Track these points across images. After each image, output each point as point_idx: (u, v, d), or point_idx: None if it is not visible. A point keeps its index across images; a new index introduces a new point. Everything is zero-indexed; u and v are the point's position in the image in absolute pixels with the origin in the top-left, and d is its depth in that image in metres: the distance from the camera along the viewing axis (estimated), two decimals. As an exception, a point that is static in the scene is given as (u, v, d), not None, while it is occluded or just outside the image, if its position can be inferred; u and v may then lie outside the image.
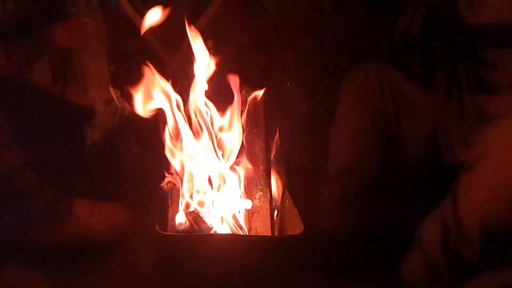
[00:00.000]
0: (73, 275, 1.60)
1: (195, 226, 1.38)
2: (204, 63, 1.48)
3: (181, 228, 1.40)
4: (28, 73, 1.88)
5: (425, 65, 1.73)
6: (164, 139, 1.49)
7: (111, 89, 2.00)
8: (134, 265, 1.64)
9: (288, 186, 1.54)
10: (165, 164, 1.50)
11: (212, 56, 1.49)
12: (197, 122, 1.48)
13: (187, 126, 1.47)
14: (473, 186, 1.42)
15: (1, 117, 1.63)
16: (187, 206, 1.43)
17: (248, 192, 1.48)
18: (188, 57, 1.51)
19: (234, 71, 1.51)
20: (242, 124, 1.48)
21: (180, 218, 1.41)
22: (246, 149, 1.48)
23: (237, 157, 1.49)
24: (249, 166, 1.48)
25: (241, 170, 1.49)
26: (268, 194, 1.44)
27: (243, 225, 1.44)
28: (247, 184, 1.48)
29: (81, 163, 1.90)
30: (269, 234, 1.41)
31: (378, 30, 2.17)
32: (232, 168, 1.49)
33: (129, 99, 1.68)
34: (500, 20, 1.55)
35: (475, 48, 1.63)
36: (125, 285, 1.59)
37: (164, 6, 1.50)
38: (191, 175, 1.46)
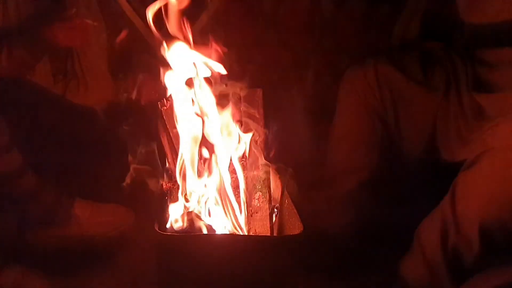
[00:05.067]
0: (74, 276, 1.60)
1: (194, 226, 1.38)
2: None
3: (180, 228, 1.40)
4: (29, 74, 1.89)
5: (424, 64, 1.73)
6: (164, 139, 1.49)
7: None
8: (134, 266, 1.64)
9: (287, 186, 1.54)
10: (165, 165, 1.51)
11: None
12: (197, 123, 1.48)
13: (186, 127, 1.47)
14: (472, 185, 1.41)
15: (1, 119, 1.63)
16: (186, 206, 1.43)
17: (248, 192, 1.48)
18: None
19: (234, 71, 1.51)
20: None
21: (179, 218, 1.42)
22: (245, 150, 1.48)
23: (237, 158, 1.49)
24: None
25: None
26: (267, 194, 1.44)
27: (242, 225, 1.44)
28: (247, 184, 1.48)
29: (81, 164, 1.90)
30: (268, 234, 1.41)
31: (377, 30, 2.18)
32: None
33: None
34: (498, 20, 1.55)
35: (474, 47, 1.63)
36: (125, 286, 1.59)
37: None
38: (190, 174, 1.46)
